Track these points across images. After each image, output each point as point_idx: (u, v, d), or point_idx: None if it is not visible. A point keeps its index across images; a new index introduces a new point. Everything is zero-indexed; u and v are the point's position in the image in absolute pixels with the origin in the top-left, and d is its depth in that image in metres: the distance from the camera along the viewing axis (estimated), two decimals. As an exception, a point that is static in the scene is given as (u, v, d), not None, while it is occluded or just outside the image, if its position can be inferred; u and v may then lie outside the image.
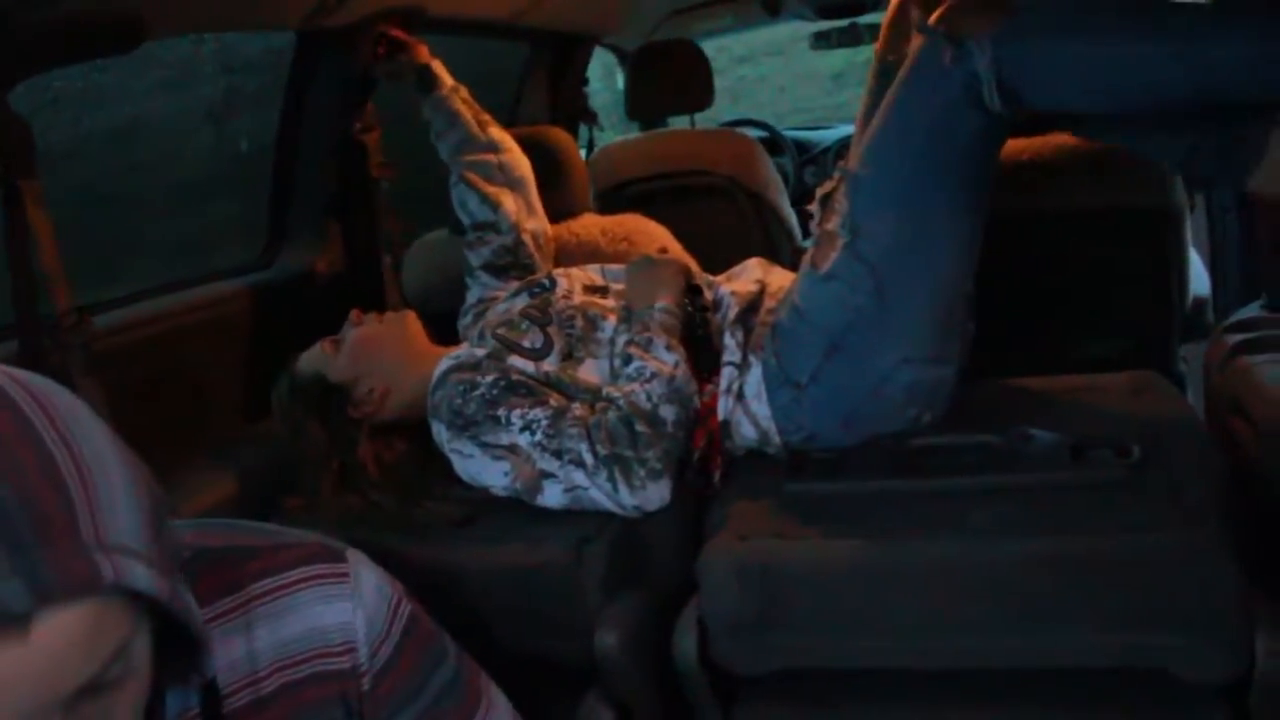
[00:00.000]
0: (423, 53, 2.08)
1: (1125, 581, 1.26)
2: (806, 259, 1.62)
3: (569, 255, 2.16)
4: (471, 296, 2.01)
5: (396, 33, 2.04)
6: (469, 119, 2.07)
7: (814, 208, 1.67)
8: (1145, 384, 1.69)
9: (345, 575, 0.93)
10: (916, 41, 1.53)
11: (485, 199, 2.02)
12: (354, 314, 1.79)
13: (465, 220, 2.05)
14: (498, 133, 2.10)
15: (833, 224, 1.57)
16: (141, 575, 0.64)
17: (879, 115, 1.57)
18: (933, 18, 1.51)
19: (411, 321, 1.80)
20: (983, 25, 1.45)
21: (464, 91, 2.10)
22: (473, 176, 2.03)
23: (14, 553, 0.58)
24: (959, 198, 1.54)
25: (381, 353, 1.74)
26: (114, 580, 0.61)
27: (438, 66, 2.09)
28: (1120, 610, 1.27)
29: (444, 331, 1.96)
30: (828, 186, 1.64)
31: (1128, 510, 1.32)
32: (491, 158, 2.06)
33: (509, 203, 2.04)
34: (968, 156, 1.53)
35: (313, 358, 1.75)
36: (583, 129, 3.37)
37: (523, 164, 2.10)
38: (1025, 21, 1.46)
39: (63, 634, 0.59)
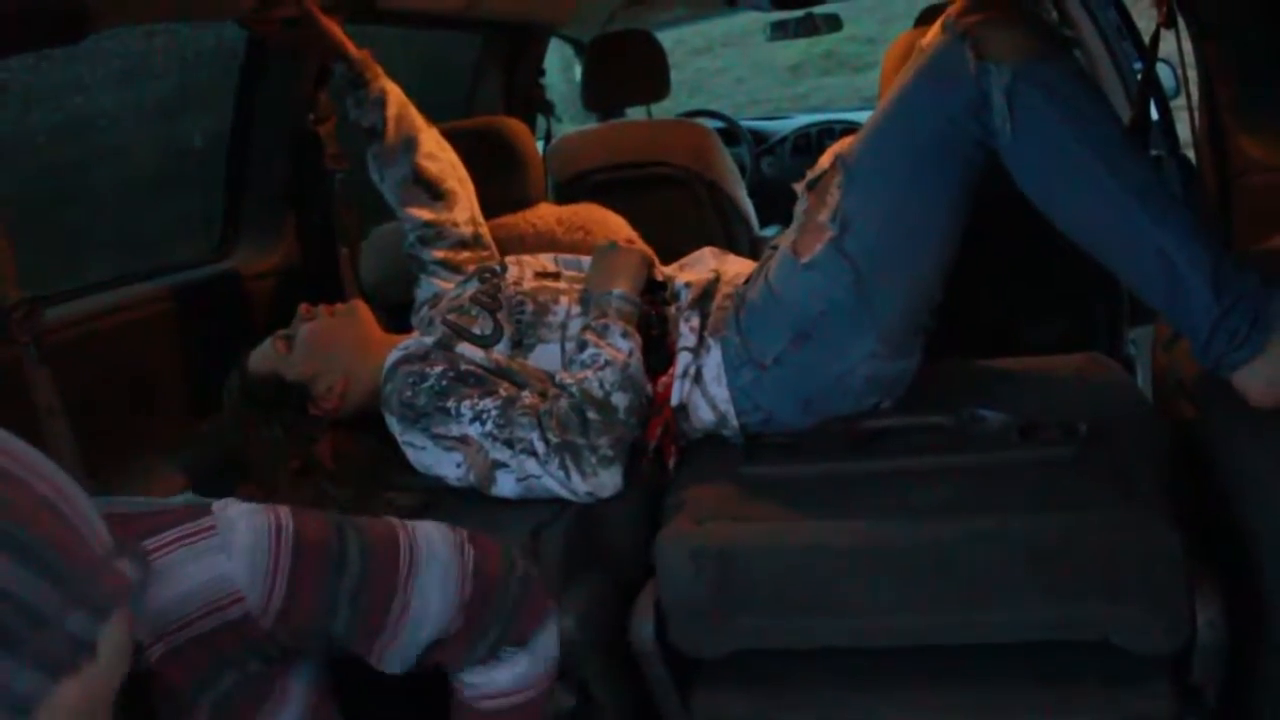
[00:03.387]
0: (338, 37, 1.93)
1: (1070, 556, 1.29)
2: (787, 244, 1.60)
3: (525, 245, 2.16)
4: (424, 293, 1.97)
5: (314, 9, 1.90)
6: (415, 115, 1.99)
7: (800, 189, 1.66)
8: (1093, 365, 1.72)
9: (211, 529, 0.91)
10: (939, 38, 1.48)
11: (442, 193, 1.98)
12: (302, 308, 1.77)
13: (416, 218, 1.97)
14: (437, 132, 2.04)
15: (823, 215, 1.54)
16: (130, 565, 0.65)
17: (883, 108, 1.53)
18: (963, 19, 1.45)
19: (362, 311, 1.79)
20: (1009, 50, 1.40)
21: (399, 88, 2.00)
22: (429, 168, 1.97)
23: (62, 587, 0.59)
24: (950, 206, 1.52)
25: (336, 347, 1.72)
26: (136, 578, 0.64)
27: (367, 54, 1.96)
28: (1066, 584, 1.30)
29: (400, 322, 1.95)
30: (817, 171, 1.63)
31: (1074, 487, 1.35)
32: (444, 154, 2.02)
33: (465, 198, 2.02)
34: (968, 165, 1.49)
35: (265, 356, 1.73)
36: (540, 120, 3.37)
37: (463, 169, 2.06)
38: (1052, 75, 1.41)
39: (116, 642, 0.62)
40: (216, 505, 0.94)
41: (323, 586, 0.95)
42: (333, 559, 0.97)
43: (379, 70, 1.97)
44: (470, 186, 2.05)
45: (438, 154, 2.00)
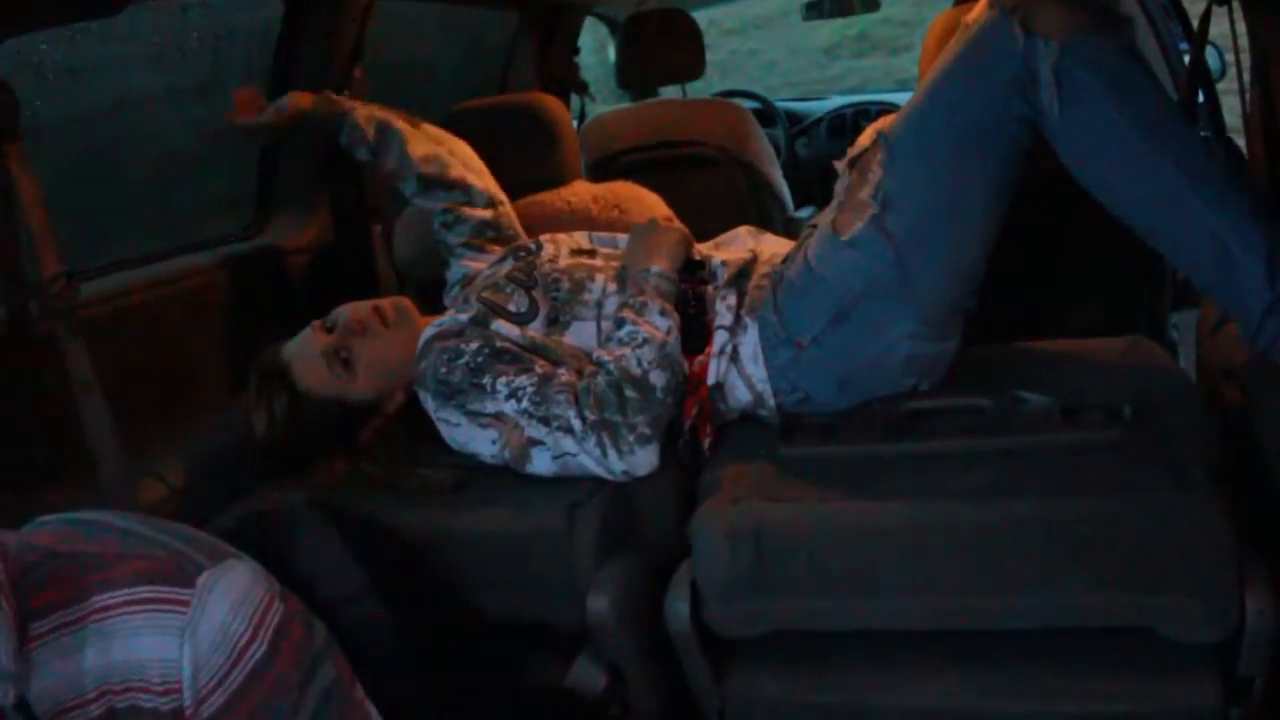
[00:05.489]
0: (302, 99, 1.90)
1: (1115, 542, 1.27)
2: (827, 222, 1.58)
3: (561, 222, 2.14)
4: (454, 275, 1.96)
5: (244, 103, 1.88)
6: (400, 122, 1.96)
7: (841, 166, 1.64)
8: (1136, 349, 1.69)
9: (184, 604, 0.85)
10: (985, 13, 1.45)
11: (452, 185, 1.97)
12: (353, 319, 1.68)
13: (434, 206, 1.96)
14: (433, 128, 2.02)
15: (864, 193, 1.52)
16: None
17: (927, 84, 1.51)
18: None
19: (411, 313, 1.75)
20: (1058, 25, 1.38)
21: (374, 106, 1.97)
22: (429, 172, 1.95)
23: None
24: (994, 184, 1.49)
25: (396, 361, 1.69)
26: None
27: (325, 96, 1.93)
28: (1110, 571, 1.27)
29: (434, 300, 1.95)
30: (859, 148, 1.60)
31: (1118, 472, 1.33)
32: (439, 149, 1.99)
33: (476, 181, 2.00)
34: (1013, 144, 1.47)
35: (323, 382, 1.66)
36: (575, 100, 3.35)
37: (468, 149, 2.04)
38: (1102, 51, 1.39)
39: None
40: (206, 578, 0.87)
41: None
42: (284, 702, 0.89)
43: (344, 102, 1.94)
44: (481, 168, 2.03)
45: (433, 153, 1.97)
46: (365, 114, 1.94)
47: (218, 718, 0.85)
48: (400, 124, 1.96)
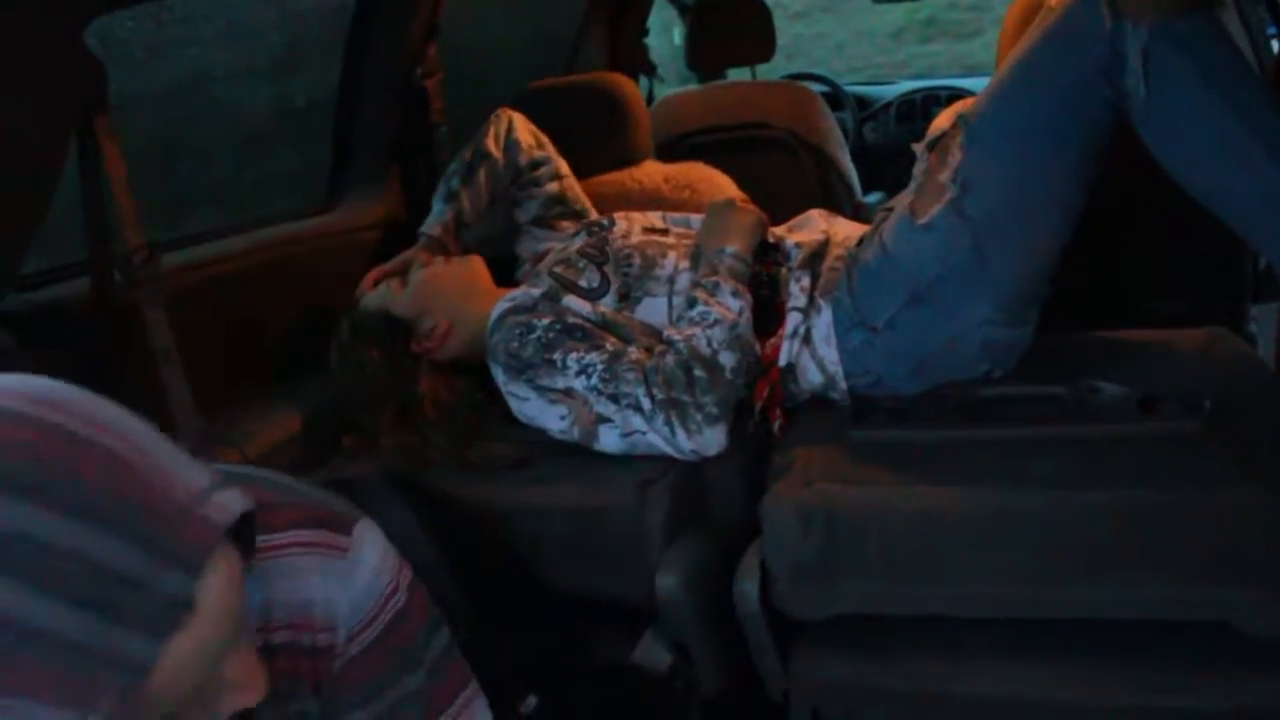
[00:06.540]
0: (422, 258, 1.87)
1: (1191, 535, 1.25)
2: (905, 204, 1.57)
3: (631, 202, 2.15)
4: (525, 250, 2.00)
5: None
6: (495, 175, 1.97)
7: (920, 149, 1.62)
8: (1216, 340, 1.66)
9: (344, 549, 0.88)
10: None
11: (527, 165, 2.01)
12: (422, 255, 1.82)
13: (510, 175, 1.98)
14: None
15: (943, 175, 1.51)
16: (234, 498, 0.66)
17: (1010, 67, 1.49)
18: None
19: (477, 263, 1.82)
20: (1148, 8, 1.35)
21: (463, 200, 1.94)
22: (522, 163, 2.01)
23: (148, 547, 0.59)
24: (1075, 170, 1.47)
25: (446, 290, 1.76)
26: (226, 521, 0.64)
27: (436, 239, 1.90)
28: (1186, 564, 1.26)
29: (508, 276, 1.97)
30: (938, 130, 1.58)
31: (1196, 464, 1.30)
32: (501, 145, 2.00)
33: (539, 153, 2.02)
34: (1097, 129, 1.45)
35: (378, 294, 1.79)
36: (643, 81, 3.35)
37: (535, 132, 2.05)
38: (1192, 34, 1.36)
39: (218, 590, 0.62)
40: (359, 527, 0.91)
41: (386, 671, 0.91)
42: (408, 657, 0.93)
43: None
44: (549, 147, 2.04)
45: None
46: (462, 203, 1.94)
47: (360, 658, 0.89)
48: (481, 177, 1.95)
